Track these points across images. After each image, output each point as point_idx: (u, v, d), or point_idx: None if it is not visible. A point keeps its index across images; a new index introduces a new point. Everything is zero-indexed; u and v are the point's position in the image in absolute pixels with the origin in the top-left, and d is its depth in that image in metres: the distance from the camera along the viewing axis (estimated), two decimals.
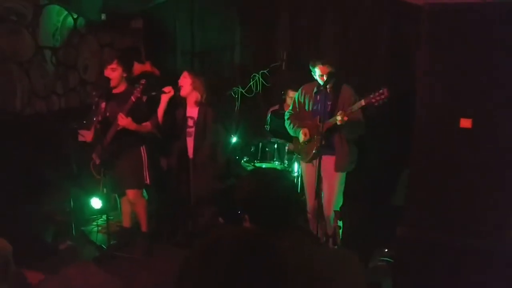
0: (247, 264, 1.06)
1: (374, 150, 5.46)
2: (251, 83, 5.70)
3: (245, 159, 5.10)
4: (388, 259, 4.06)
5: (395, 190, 5.19)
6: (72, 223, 4.75)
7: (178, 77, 6.14)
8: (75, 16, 5.66)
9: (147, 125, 4.16)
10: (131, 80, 4.38)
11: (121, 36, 6.41)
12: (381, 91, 3.67)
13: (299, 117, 4.21)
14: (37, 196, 4.98)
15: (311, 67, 4.01)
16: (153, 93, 3.93)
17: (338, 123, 3.80)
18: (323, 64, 3.94)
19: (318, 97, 4.01)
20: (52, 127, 5.11)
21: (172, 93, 3.88)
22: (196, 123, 3.96)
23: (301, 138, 4.08)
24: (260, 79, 5.67)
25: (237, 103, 5.75)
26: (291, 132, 4.25)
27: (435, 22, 2.88)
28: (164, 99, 3.90)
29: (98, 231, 4.66)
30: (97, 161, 4.21)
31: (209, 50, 6.05)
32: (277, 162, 4.90)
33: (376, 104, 3.71)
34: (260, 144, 4.97)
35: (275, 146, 4.93)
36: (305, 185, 4.22)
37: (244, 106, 5.86)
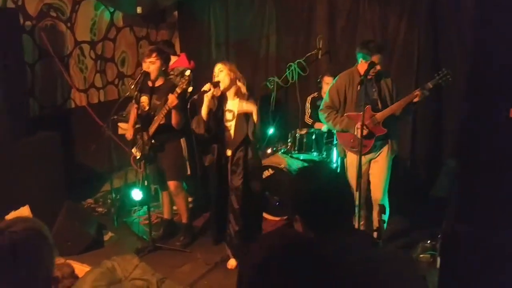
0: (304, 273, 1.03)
1: (416, 139, 5.33)
2: (287, 72, 5.63)
3: (282, 151, 5.05)
4: (432, 252, 3.98)
5: (437, 181, 5.04)
6: (114, 215, 4.84)
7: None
8: (111, 10, 5.73)
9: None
10: (167, 74, 4.39)
11: (157, 28, 6.46)
12: (444, 71, 3.75)
13: (340, 109, 4.03)
14: (79, 189, 5.11)
15: (364, 53, 3.82)
16: (195, 97, 3.83)
17: (416, 100, 3.80)
18: (380, 52, 3.81)
19: (363, 86, 3.76)
20: (92, 120, 5.22)
21: (212, 89, 3.75)
22: (237, 116, 3.78)
23: (357, 133, 3.84)
24: (297, 68, 5.58)
25: (273, 93, 5.69)
26: (336, 128, 4.04)
27: (480, 7, 2.75)
28: (207, 97, 3.75)
29: (139, 223, 4.73)
30: (137, 155, 4.25)
31: (244, 40, 6.00)
32: (315, 153, 4.84)
33: (443, 84, 3.81)
34: (298, 135, 4.91)
35: (313, 136, 4.86)
36: (350, 176, 4.08)
37: (280, 97, 5.81)
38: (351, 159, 4.03)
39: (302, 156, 4.86)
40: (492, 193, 2.83)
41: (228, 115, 3.82)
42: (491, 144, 2.80)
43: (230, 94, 3.81)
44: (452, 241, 2.88)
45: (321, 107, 4.13)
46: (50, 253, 1.48)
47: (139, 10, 5.62)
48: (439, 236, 4.03)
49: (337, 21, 5.48)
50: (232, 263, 4.06)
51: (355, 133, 3.87)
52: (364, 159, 3.94)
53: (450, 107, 5.05)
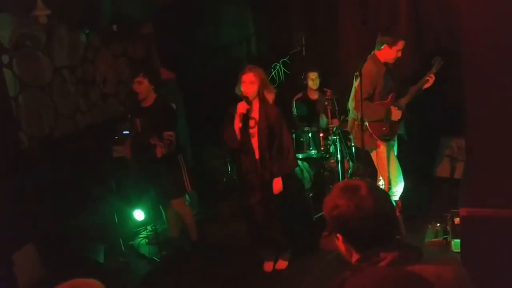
0: None
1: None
2: (273, 73, 5.59)
3: None
4: (445, 236, 4.01)
5: (436, 161, 5.06)
6: (120, 239, 4.75)
7: (196, 76, 6.08)
8: (86, 32, 5.60)
9: (171, 134, 4.07)
10: (158, 89, 4.31)
11: (134, 44, 6.35)
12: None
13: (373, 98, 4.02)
14: (81, 216, 5.00)
15: (389, 43, 3.87)
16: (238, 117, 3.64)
17: (427, 86, 4.04)
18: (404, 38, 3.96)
19: (388, 73, 4.02)
20: (84, 145, 5.10)
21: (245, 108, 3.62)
22: (259, 123, 3.69)
23: (396, 117, 4.04)
24: (282, 68, 5.56)
25: None
26: (376, 117, 3.99)
27: None
28: (238, 116, 3.63)
29: (146, 243, 4.65)
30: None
31: (225, 45, 5.93)
32: (313, 151, 4.84)
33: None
34: (294, 134, 4.89)
35: (309, 134, 4.85)
36: (382, 166, 4.20)
37: None
38: (382, 148, 4.11)
39: (301, 156, 4.85)
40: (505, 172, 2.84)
41: (251, 122, 3.71)
42: (500, 121, 2.78)
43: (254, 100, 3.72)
44: (472, 222, 2.88)
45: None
46: None
47: (114, 28, 5.53)
48: (448, 218, 4.08)
49: (317, 14, 5.45)
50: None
51: (393, 118, 4.00)
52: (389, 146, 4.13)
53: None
